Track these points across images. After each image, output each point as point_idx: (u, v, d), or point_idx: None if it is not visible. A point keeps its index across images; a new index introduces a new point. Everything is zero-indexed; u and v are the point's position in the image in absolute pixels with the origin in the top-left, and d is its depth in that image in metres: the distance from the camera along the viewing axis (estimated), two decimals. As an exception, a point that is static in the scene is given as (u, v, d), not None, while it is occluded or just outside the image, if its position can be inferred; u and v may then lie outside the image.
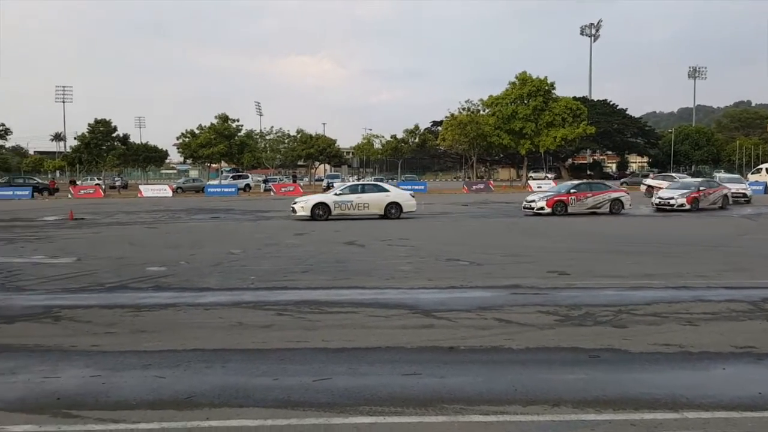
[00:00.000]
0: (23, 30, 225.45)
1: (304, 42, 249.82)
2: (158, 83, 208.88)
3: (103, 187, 58.03)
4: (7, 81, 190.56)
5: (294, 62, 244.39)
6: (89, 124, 65.43)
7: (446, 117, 68.73)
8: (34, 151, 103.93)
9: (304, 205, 23.80)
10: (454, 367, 5.67)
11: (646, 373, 5.52)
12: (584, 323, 7.34)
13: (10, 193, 48.84)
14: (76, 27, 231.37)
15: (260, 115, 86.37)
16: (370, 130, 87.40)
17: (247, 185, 61.34)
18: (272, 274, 11.02)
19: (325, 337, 6.73)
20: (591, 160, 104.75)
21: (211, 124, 65.21)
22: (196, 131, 66.15)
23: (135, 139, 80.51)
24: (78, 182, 65.04)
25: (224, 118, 65.40)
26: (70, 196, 50.97)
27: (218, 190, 54.42)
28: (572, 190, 26.19)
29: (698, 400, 4.79)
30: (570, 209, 25.35)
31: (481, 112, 64.47)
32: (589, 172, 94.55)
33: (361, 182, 33.89)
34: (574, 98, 64.47)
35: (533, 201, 25.98)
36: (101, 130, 65.50)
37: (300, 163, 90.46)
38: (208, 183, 60.44)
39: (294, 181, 65.47)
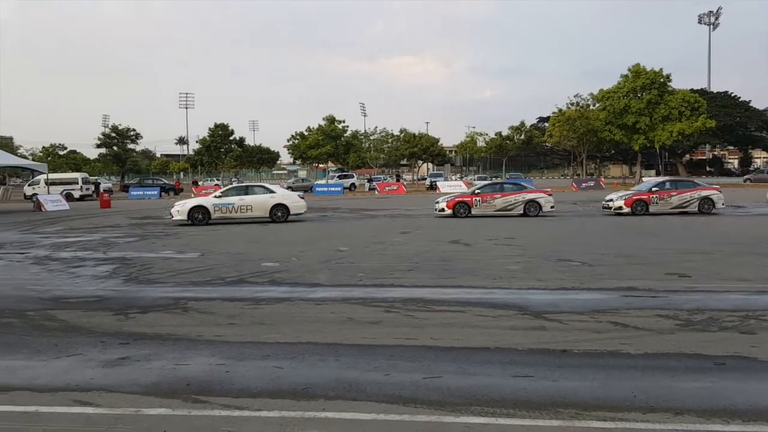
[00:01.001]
0: (150, 42, 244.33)
1: (407, 42, 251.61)
2: (270, 87, 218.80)
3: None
4: (139, 91, 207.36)
5: (397, 63, 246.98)
6: (209, 128, 69.88)
7: (553, 113, 66.72)
8: (161, 154, 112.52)
9: (180, 209, 22.30)
10: (568, 371, 5.52)
11: (783, 385, 5.09)
12: (708, 328, 6.89)
13: (141, 193, 53.11)
14: (195, 36, 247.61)
15: (365, 116, 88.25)
16: (473, 127, 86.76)
17: (353, 184, 62.76)
18: (379, 272, 11.22)
19: (434, 335, 6.77)
20: (710, 156, 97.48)
21: (319, 125, 67.44)
22: (305, 133, 68.68)
23: (249, 141, 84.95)
24: (199, 183, 69.48)
25: (331, 120, 67.39)
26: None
27: (325, 189, 56.09)
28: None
29: None
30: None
31: (591, 107, 61.91)
32: (708, 169, 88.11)
33: (245, 183, 29.90)
34: (692, 90, 60.09)
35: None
36: (220, 133, 69.68)
37: (403, 162, 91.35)
38: (315, 183, 62.48)
39: (397, 180, 66.19)
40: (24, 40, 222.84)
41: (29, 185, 47.26)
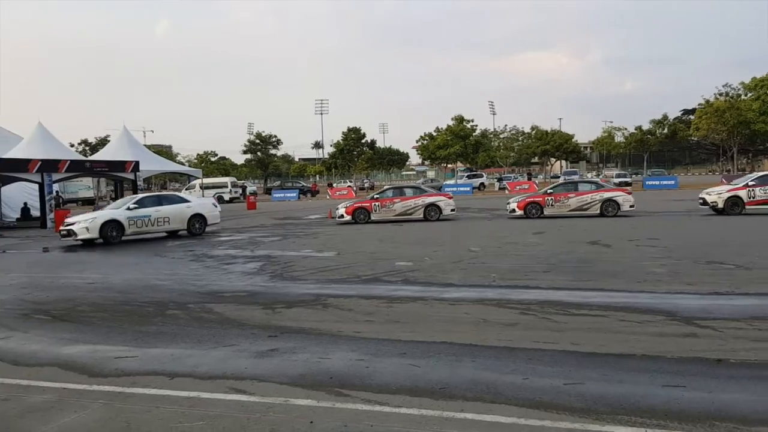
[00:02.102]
0: (290, 53, 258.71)
1: (538, 37, 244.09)
2: (399, 90, 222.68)
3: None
4: (280, 99, 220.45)
5: (528, 59, 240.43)
6: (343, 132, 72.61)
7: (700, 104, 61.57)
8: (299, 158, 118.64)
9: (89, 225, 18.83)
10: (724, 382, 5.09)
11: None
12: None
13: (282, 195, 56.44)
14: (329, 44, 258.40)
15: (494, 114, 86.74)
16: (611, 122, 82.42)
17: (482, 184, 62.06)
18: (513, 273, 11.02)
19: (574, 339, 6.53)
20: None
21: (448, 125, 67.59)
22: (434, 133, 69.09)
23: (380, 143, 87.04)
24: (334, 185, 72.41)
25: (460, 120, 67.26)
26: (328, 197, 56.95)
27: (454, 189, 55.94)
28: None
29: None
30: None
31: (743, 97, 56.27)
32: None
33: (156, 193, 26.12)
34: None
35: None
36: (353, 137, 72.17)
37: (534, 160, 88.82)
38: (444, 183, 62.57)
39: (529, 179, 64.42)
40: (179, 59, 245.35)
41: (186, 189, 51.95)
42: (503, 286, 9.80)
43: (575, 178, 46.03)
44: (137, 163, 32.77)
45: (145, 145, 48.67)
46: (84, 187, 43.43)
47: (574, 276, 10.51)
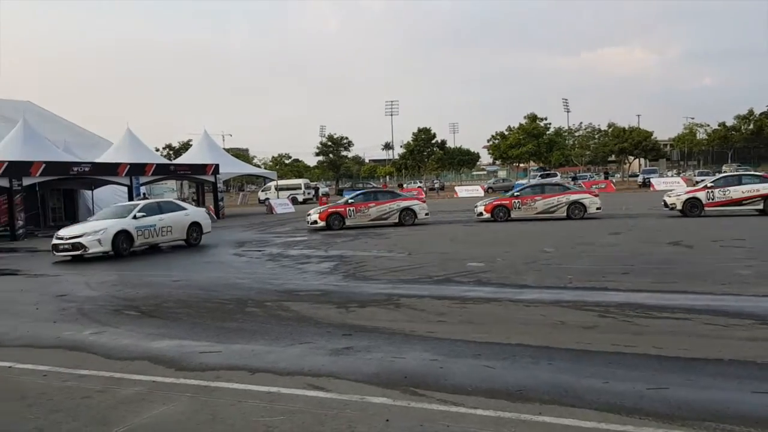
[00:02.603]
0: (359, 55, 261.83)
1: (613, 33, 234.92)
2: (469, 89, 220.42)
3: (424, 189, 63.63)
4: (351, 102, 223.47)
5: (603, 55, 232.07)
6: (413, 133, 72.76)
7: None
8: (369, 160, 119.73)
9: (101, 237, 16.50)
10: (826, 393, 4.77)
11: None
12: None
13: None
14: (399, 45, 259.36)
15: (568, 112, 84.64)
16: (692, 118, 78.04)
17: (556, 183, 60.49)
18: (589, 274, 10.73)
19: (656, 343, 6.29)
20: None
21: (520, 124, 66.45)
22: (506, 132, 68.07)
23: (450, 144, 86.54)
24: (404, 185, 72.64)
25: (533, 118, 65.98)
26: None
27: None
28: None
29: None
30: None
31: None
32: None
33: (155, 200, 22.54)
34: None
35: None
36: (422, 137, 72.21)
37: (611, 158, 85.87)
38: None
39: (606, 178, 62.30)
40: (254, 66, 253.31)
41: (262, 191, 53.65)
42: (580, 287, 9.56)
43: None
44: (217, 166, 34.10)
45: (223, 149, 50.54)
46: (168, 189, 45.59)
47: (654, 278, 10.11)
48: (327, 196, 51.17)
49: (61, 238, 16.74)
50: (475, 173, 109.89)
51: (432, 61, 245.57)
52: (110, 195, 32.09)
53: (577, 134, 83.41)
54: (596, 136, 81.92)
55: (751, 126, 68.60)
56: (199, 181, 35.63)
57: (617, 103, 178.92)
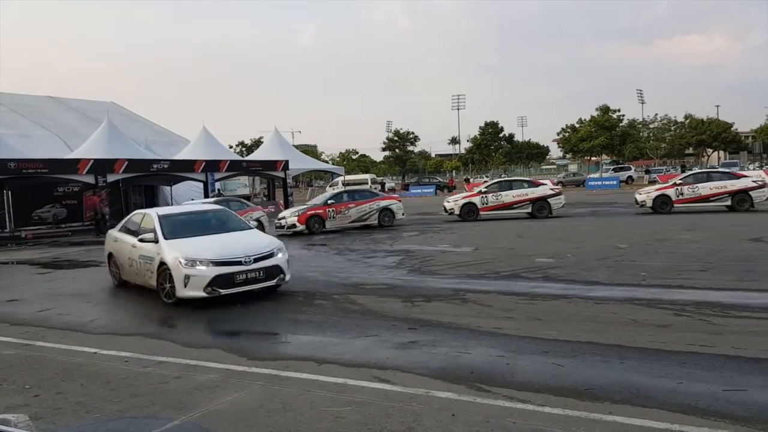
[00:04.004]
0: (426, 49, 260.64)
1: (690, 20, 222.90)
2: (538, 82, 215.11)
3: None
4: (418, 96, 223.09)
5: (679, 43, 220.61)
6: (480, 127, 72.02)
7: None
8: (435, 154, 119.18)
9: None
10: None
11: None
12: None
13: (420, 190, 57.35)
14: (465, 38, 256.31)
15: (642, 104, 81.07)
16: (776, 108, 73.21)
17: (630, 177, 58.31)
18: (664, 272, 10.31)
19: (735, 343, 6.01)
20: None
21: (592, 116, 64.42)
22: (576, 125, 66.16)
23: (518, 137, 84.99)
24: (470, 179, 71.96)
25: (605, 110, 63.87)
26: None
27: (599, 183, 53.15)
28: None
29: None
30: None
31: None
32: None
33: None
34: None
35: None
36: (490, 131, 71.32)
37: (688, 151, 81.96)
38: (588, 176, 59.66)
39: (683, 171, 59.46)
40: (323, 63, 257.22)
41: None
42: (654, 285, 9.21)
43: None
44: (287, 162, 34.88)
45: (293, 145, 51.65)
46: (241, 185, 47.03)
47: (735, 276, 9.63)
48: (393, 191, 51.34)
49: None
50: (544, 167, 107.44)
51: (500, 55, 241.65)
52: (187, 191, 33.42)
53: (651, 126, 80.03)
54: (672, 128, 78.37)
55: None
56: (269, 176, 36.54)
57: (694, 93, 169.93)
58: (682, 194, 21.76)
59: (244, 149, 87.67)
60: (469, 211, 22.80)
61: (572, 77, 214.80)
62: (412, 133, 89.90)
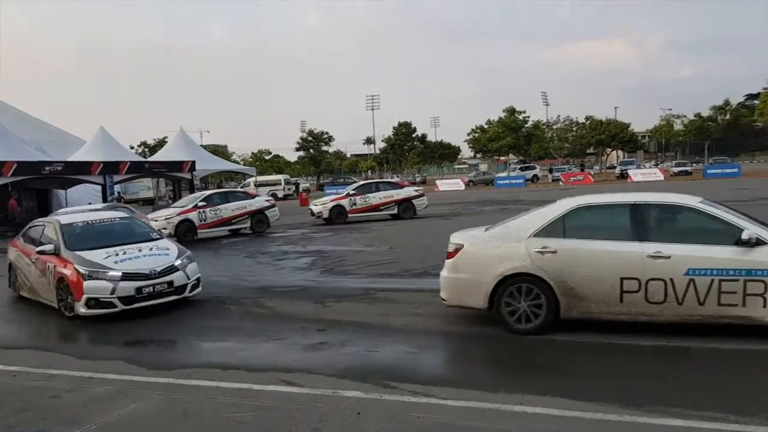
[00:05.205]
0: (340, 50, 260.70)
1: (591, 26, 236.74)
2: (449, 83, 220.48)
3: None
4: (332, 96, 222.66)
5: (581, 48, 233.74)
6: (394, 127, 72.63)
7: (765, 88, 58.45)
8: (351, 154, 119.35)
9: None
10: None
11: None
12: None
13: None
14: (380, 39, 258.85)
15: (547, 105, 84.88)
16: (669, 110, 78.73)
17: (535, 176, 60.95)
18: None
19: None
20: None
21: (499, 118, 66.67)
22: (485, 126, 68.33)
23: (431, 137, 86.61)
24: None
25: (511, 111, 66.29)
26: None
27: (507, 181, 55.21)
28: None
29: None
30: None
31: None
32: None
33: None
34: None
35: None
36: (403, 131, 72.21)
37: (589, 150, 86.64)
38: (497, 175, 61.80)
39: (582, 170, 62.81)
40: (232, 60, 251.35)
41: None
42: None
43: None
44: (193, 162, 33.72)
45: (201, 146, 50.08)
46: (144, 187, 45.09)
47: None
48: (307, 192, 50.94)
49: None
50: (456, 167, 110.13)
51: (412, 56, 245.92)
52: (84, 194, 31.61)
53: (555, 127, 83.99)
54: (574, 129, 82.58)
55: (728, 116, 69.69)
56: (175, 178, 35.20)
57: (595, 95, 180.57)
58: (355, 204, 22.49)
59: (146, 150, 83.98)
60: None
61: (482, 78, 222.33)
62: (327, 133, 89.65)
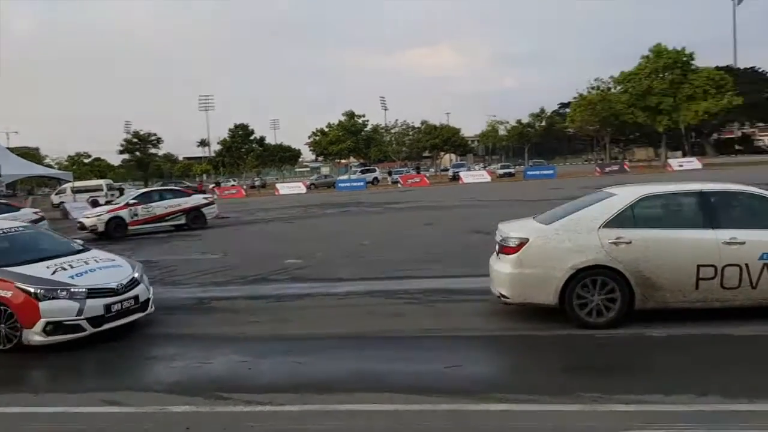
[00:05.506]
0: (169, 47, 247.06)
1: (423, 34, 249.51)
2: (290, 86, 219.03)
3: (244, 187, 62.11)
4: (160, 96, 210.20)
5: (415, 55, 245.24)
6: (229, 129, 70.58)
7: (574, 98, 65.79)
8: (183, 157, 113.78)
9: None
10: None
11: None
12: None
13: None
14: (214, 38, 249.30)
15: (385, 110, 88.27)
16: (495, 116, 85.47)
17: (375, 178, 62.74)
18: (402, 263, 11.15)
19: (458, 325, 6.73)
20: (740, 135, 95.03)
21: (339, 121, 67.72)
22: (326, 129, 68.99)
23: (270, 140, 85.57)
24: (221, 184, 70.16)
25: (351, 115, 67.68)
26: (216, 196, 55.09)
27: (348, 184, 56.15)
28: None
29: None
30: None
31: (612, 90, 60.91)
32: (737, 147, 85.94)
33: None
34: (717, 68, 58.78)
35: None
36: (240, 133, 70.44)
37: (426, 154, 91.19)
38: (338, 178, 62.62)
39: (418, 172, 65.91)
40: (46, 54, 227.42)
41: (56, 194, 48.27)
42: (393, 277, 9.90)
43: (460, 168, 47.95)
44: (-1, 167, 29.94)
45: (8, 148, 44.57)
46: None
47: (459, 264, 10.80)
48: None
49: None
50: (298, 170, 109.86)
51: (250, 57, 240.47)
52: None
53: (393, 131, 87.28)
54: (411, 133, 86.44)
55: (544, 123, 77.25)
56: (-24, 184, 31.04)
57: (430, 101, 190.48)
58: (137, 215, 20.20)
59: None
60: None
61: (323, 82, 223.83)
62: (154, 134, 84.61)
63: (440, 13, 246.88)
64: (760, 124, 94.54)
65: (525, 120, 75.37)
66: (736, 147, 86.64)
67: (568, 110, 74.99)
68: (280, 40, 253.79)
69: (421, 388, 4.84)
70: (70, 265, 7.26)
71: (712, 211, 6.24)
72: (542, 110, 76.77)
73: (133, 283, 7.35)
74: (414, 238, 15.19)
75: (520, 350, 5.95)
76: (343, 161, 79.34)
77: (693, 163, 50.26)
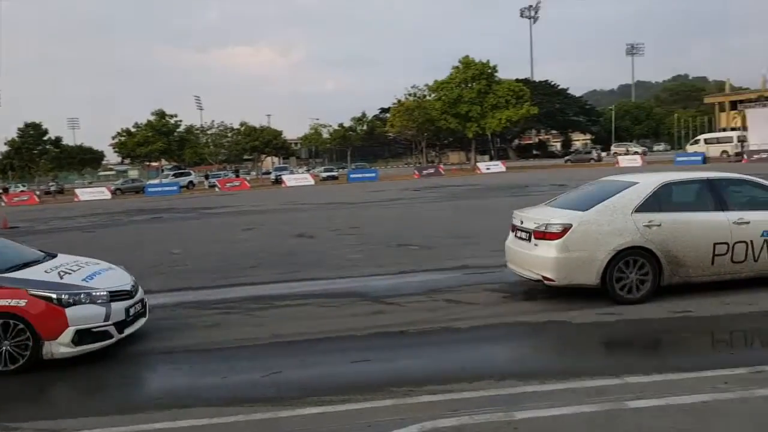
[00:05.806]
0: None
1: (241, 32, 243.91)
2: (91, 82, 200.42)
3: (38, 193, 55.50)
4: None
5: (232, 53, 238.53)
6: (19, 129, 62.56)
7: (393, 103, 68.76)
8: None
9: None
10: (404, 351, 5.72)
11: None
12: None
13: None
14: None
15: (201, 110, 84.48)
16: (317, 119, 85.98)
17: (191, 182, 59.86)
18: (218, 272, 10.73)
19: (275, 331, 6.64)
20: (537, 140, 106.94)
21: (148, 121, 63.31)
22: (133, 129, 64.11)
23: (69, 141, 77.48)
24: (10, 190, 61.95)
25: (161, 115, 63.60)
26: (3, 204, 48.53)
27: (159, 189, 52.82)
28: None
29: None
30: None
31: (428, 97, 64.76)
32: (535, 152, 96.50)
33: None
34: (517, 80, 65.55)
35: None
36: (31, 133, 62.77)
37: (246, 156, 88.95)
38: (148, 182, 58.58)
39: (237, 176, 64.18)
40: None
41: None
42: (207, 287, 9.49)
43: (283, 172, 47.02)
44: None
45: None
46: None
47: (280, 269, 10.67)
48: None
49: None
50: (102, 173, 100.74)
51: (46, 49, 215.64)
52: None
53: (209, 132, 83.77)
54: (229, 135, 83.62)
55: (365, 127, 79.56)
56: None
57: (249, 102, 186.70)
58: None
59: None
60: None
61: (128, 79, 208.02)
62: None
63: (257, 11, 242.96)
64: (554, 132, 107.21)
65: (347, 124, 77.00)
66: (534, 152, 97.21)
67: (388, 115, 78.15)
68: (78, 35, 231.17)
69: (235, 399, 4.68)
70: (70, 268, 6.44)
71: (720, 195, 7.20)
72: (363, 114, 79.10)
73: (137, 286, 6.83)
74: (231, 244, 14.71)
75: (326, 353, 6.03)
76: (153, 164, 74.17)
77: (498, 166, 55.52)
